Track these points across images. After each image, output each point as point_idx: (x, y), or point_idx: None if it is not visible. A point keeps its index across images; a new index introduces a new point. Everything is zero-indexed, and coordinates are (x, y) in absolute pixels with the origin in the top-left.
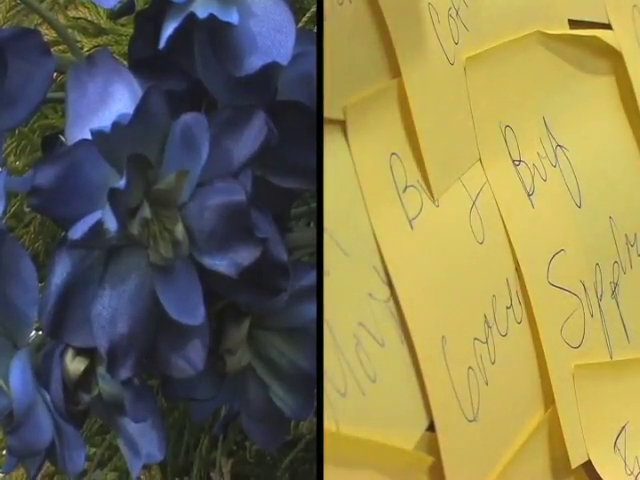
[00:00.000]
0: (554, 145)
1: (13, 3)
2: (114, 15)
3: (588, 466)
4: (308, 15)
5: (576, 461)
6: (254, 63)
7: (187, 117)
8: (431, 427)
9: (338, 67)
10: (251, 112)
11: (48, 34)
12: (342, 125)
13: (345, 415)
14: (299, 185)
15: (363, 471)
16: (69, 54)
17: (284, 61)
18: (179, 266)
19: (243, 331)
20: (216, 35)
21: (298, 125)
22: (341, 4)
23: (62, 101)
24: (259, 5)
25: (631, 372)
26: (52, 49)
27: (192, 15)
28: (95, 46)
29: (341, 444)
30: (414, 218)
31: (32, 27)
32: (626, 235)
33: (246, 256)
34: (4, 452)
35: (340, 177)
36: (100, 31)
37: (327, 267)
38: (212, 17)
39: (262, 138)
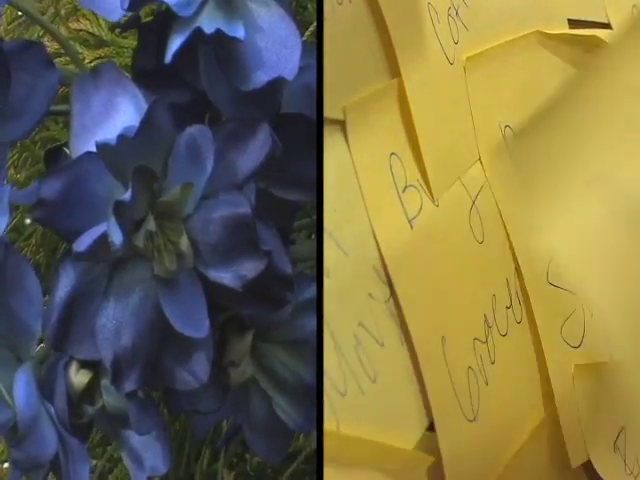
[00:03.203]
0: None
1: (14, 15)
2: (120, 28)
3: (588, 466)
4: (311, 29)
5: (576, 461)
6: (260, 78)
7: (192, 130)
8: (431, 427)
9: (338, 67)
10: (255, 125)
11: (49, 46)
12: (342, 125)
13: (345, 415)
14: (302, 197)
15: (363, 471)
16: (71, 66)
17: (290, 76)
18: (183, 279)
19: (247, 343)
20: (222, 50)
21: (301, 137)
22: (341, 4)
23: (65, 113)
24: (265, 20)
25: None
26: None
27: (198, 30)
28: (96, 58)
29: (341, 444)
30: (414, 218)
31: (34, 39)
32: None
33: (251, 268)
34: (6, 465)
35: (340, 177)
36: (101, 43)
37: (327, 267)
38: (218, 32)
39: (266, 151)
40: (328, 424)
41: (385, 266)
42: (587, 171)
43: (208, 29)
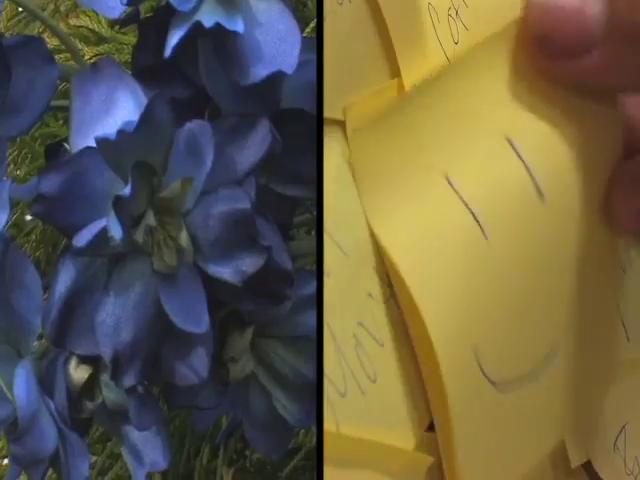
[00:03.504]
0: None
1: (15, 11)
2: (120, 25)
3: (588, 466)
4: (312, 25)
5: (576, 461)
6: (259, 72)
7: (191, 125)
8: (431, 427)
9: (338, 67)
10: (255, 120)
11: (49, 42)
12: (342, 125)
13: (345, 415)
14: (302, 193)
15: (363, 471)
16: (71, 62)
17: (289, 70)
18: (183, 274)
19: (246, 339)
20: (221, 44)
21: (301, 132)
22: (341, 4)
23: (65, 109)
24: (264, 14)
25: (631, 372)
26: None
27: (198, 24)
28: (96, 54)
29: (341, 444)
30: None
31: (35, 35)
32: None
33: (250, 264)
34: (5, 461)
35: (340, 178)
36: (101, 39)
37: (327, 268)
38: (218, 26)
39: (266, 146)
40: (328, 424)
41: (384, 266)
42: (436, 170)
43: (208, 23)
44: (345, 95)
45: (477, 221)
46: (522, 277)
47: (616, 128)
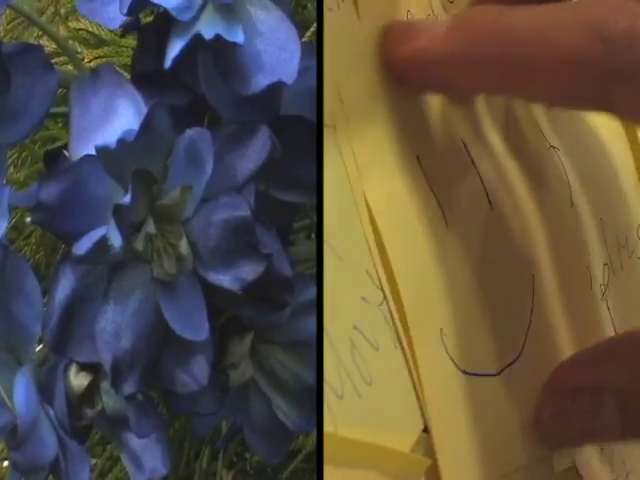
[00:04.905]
0: (547, 146)
1: (14, 15)
2: (120, 32)
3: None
4: (312, 29)
5: (560, 465)
6: (260, 82)
7: (191, 132)
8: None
9: (328, 74)
10: (255, 127)
11: (48, 45)
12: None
13: (343, 417)
14: (301, 199)
15: (361, 472)
16: (69, 66)
17: (289, 80)
18: (183, 281)
19: (246, 345)
20: (221, 54)
21: (300, 139)
22: (331, 10)
23: (64, 115)
24: (264, 23)
25: None
26: (53, 60)
27: (198, 35)
28: (96, 57)
29: (339, 446)
30: None
31: (34, 40)
32: (616, 236)
33: (250, 271)
34: (5, 463)
35: (333, 182)
36: (101, 42)
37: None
38: (218, 37)
39: (266, 153)
40: (326, 426)
41: (378, 270)
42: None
43: (207, 34)
44: (340, 100)
45: (440, 207)
46: (478, 275)
47: None
